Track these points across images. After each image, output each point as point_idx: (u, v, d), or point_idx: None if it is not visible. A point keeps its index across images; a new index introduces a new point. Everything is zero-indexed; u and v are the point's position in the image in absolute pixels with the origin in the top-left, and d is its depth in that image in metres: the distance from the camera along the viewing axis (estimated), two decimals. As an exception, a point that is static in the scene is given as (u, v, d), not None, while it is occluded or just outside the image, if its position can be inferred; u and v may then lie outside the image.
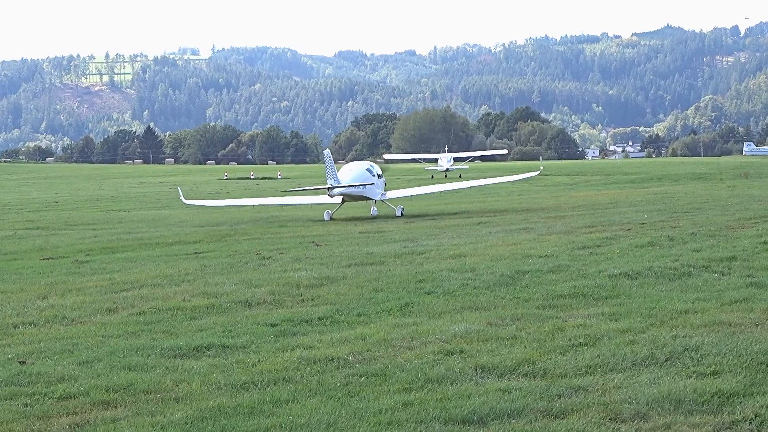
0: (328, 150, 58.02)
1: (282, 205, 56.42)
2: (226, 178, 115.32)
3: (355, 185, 49.12)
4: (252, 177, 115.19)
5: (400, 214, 48.54)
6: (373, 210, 49.63)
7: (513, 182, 68.41)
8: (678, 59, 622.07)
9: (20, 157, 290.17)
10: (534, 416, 11.44)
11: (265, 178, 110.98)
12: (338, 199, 49.11)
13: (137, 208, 60.63)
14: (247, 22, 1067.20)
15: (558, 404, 11.83)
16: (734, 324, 15.89)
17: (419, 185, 65.21)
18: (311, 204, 52.32)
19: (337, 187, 48.45)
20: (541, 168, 70.85)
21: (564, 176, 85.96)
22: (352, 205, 50.45)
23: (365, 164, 55.22)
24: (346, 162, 50.31)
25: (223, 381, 13.74)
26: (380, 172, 52.85)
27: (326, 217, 48.09)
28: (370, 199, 49.71)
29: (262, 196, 67.30)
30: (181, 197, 58.57)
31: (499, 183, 66.64)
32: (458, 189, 61.45)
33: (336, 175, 49.34)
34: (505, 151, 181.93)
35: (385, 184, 52.74)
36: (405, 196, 53.07)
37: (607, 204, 47.92)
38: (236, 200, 63.35)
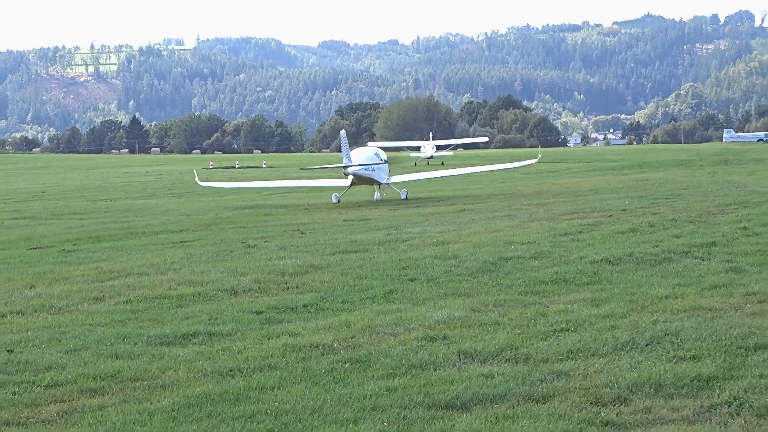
0: (343, 131, 58.56)
1: (301, 186, 57.54)
2: (211, 167, 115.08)
3: (366, 164, 49.58)
4: (237, 166, 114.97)
5: (404, 197, 48.95)
6: (377, 195, 49.63)
7: (513, 169, 68.08)
8: (658, 47, 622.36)
9: (6, 148, 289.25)
10: (516, 401, 11.47)
11: (250, 167, 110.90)
12: (349, 181, 49.49)
13: (123, 197, 60.52)
14: (231, 13, 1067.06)
15: (540, 389, 11.86)
16: (714, 309, 15.94)
17: (406, 173, 64.82)
18: (325, 186, 52.88)
19: (351, 165, 48.83)
20: (540, 156, 71.48)
21: (546, 164, 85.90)
22: (357, 191, 50.49)
23: (373, 149, 56.01)
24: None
25: (210, 368, 13.74)
26: (386, 158, 53.28)
27: (334, 200, 48.54)
28: (376, 181, 49.81)
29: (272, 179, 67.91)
30: (196, 179, 59.55)
31: (499, 170, 66.32)
32: (459, 174, 61.36)
33: (350, 155, 49.76)
34: (486, 139, 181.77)
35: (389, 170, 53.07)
36: (408, 181, 53.22)
37: (588, 191, 47.95)
38: (251, 182, 64.06)
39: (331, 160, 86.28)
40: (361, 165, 49.34)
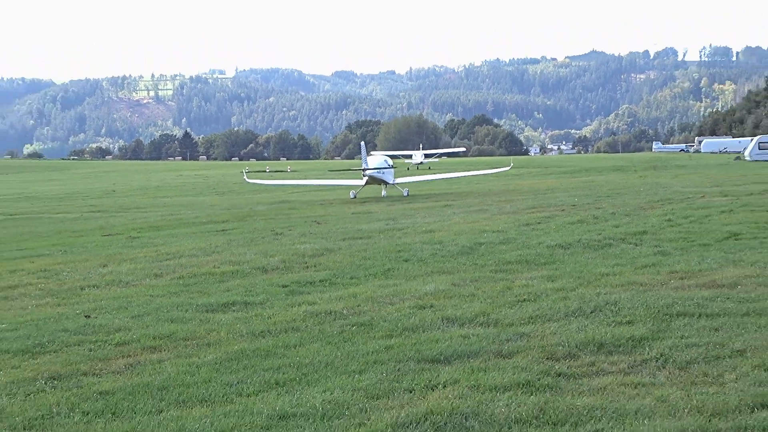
0: (363, 142, 59.09)
1: (326, 185, 57.09)
2: (247, 171, 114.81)
3: (379, 168, 49.86)
4: (267, 170, 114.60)
5: (406, 194, 48.76)
6: (384, 192, 49.44)
7: (490, 174, 67.54)
8: (601, 76, 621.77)
9: (85, 156, 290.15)
10: (488, 356, 11.47)
11: (278, 171, 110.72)
12: (364, 181, 49.39)
13: (177, 195, 60.42)
14: (263, 48, 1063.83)
15: (506, 347, 11.87)
16: (645, 284, 15.95)
17: (406, 176, 64.45)
18: (346, 185, 52.76)
19: (368, 169, 49.01)
20: (511, 164, 71.51)
21: (513, 168, 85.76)
22: (367, 189, 50.41)
23: (383, 157, 56.53)
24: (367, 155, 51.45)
25: (245, 330, 13.75)
26: (392, 164, 53.79)
27: (351, 196, 48.55)
28: (385, 182, 49.69)
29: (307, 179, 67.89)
30: (245, 177, 59.77)
31: (478, 175, 65.85)
32: (447, 179, 61.05)
33: (368, 161, 50.09)
34: (464, 149, 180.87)
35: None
36: (409, 182, 53.18)
37: (545, 190, 47.82)
38: (288, 180, 64.51)
39: (350, 165, 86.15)
40: (376, 169, 49.63)
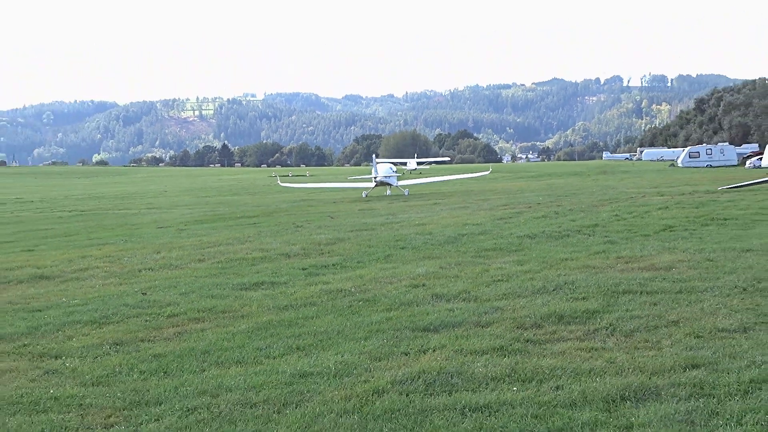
0: (375, 155, 61.29)
1: (346, 187, 56.74)
2: (273, 176, 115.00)
3: (386, 176, 50.77)
4: (290, 175, 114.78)
5: (407, 194, 48.94)
6: (388, 191, 49.75)
7: (472, 178, 67.30)
8: (561, 98, 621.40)
9: (142, 163, 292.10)
10: (469, 326, 11.46)
11: (298, 176, 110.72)
12: (374, 184, 49.97)
13: (216, 195, 60.40)
14: (286, 75, 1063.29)
15: (484, 318, 11.86)
16: (596, 267, 15.94)
17: (406, 179, 64.24)
18: (361, 187, 52.53)
19: (378, 176, 50.00)
20: (490, 170, 72.05)
21: (490, 173, 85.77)
22: (376, 189, 50.37)
23: (389, 165, 57.18)
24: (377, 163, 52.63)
25: (272, 305, 13.73)
26: (395, 170, 55.15)
27: (364, 195, 48.78)
28: (389, 184, 50.26)
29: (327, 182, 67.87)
30: (278, 181, 61.08)
31: (462, 179, 65.57)
32: (437, 182, 60.90)
33: (378, 169, 50.96)
34: (449, 159, 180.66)
35: (398, 177, 53.77)
36: (409, 184, 53.35)
37: (516, 191, 47.83)
38: (315, 183, 63.99)
39: (361, 171, 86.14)
40: (384, 175, 50.57)
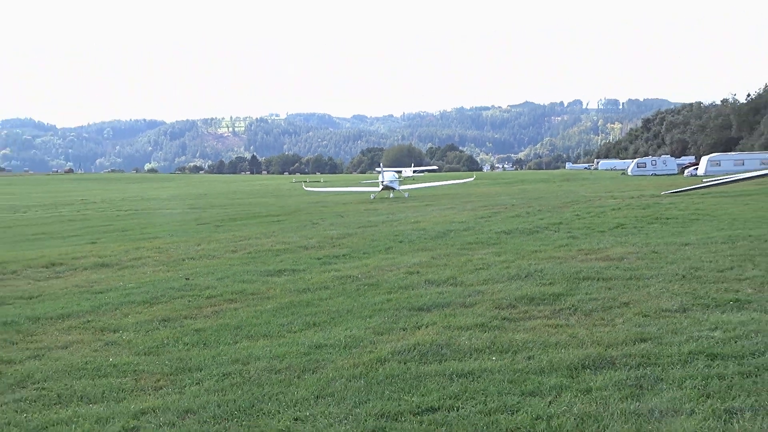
0: (381, 164, 62.94)
1: (361, 191, 56.12)
2: (294, 182, 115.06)
3: (390, 181, 50.71)
4: (307, 181, 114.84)
5: (407, 196, 48.83)
6: (391, 194, 49.56)
7: (458, 184, 66.57)
8: (532, 118, 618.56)
9: (185, 171, 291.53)
10: (455, 306, 11.44)
11: (314, 181, 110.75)
12: (380, 188, 49.88)
13: (247, 197, 60.40)
14: (305, 98, 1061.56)
15: (468, 300, 11.84)
16: (561, 257, 15.92)
17: (405, 184, 64.15)
18: (370, 191, 52.64)
19: (383, 182, 50.02)
20: (473, 177, 71.89)
21: (474, 180, 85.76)
22: (382, 193, 50.33)
23: (393, 172, 58.01)
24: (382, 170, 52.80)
25: (293, 288, 13.73)
26: (398, 177, 55.44)
27: (372, 197, 48.59)
28: (393, 189, 50.09)
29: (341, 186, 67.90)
30: (304, 186, 61.47)
31: (449, 184, 64.76)
32: (430, 186, 60.71)
33: (384, 176, 51.01)
34: (437, 167, 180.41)
35: (401, 182, 54.30)
36: (408, 188, 53.20)
37: (494, 195, 47.77)
38: (333, 188, 64.00)
39: (369, 177, 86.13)
40: (389, 181, 50.54)
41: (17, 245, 24.92)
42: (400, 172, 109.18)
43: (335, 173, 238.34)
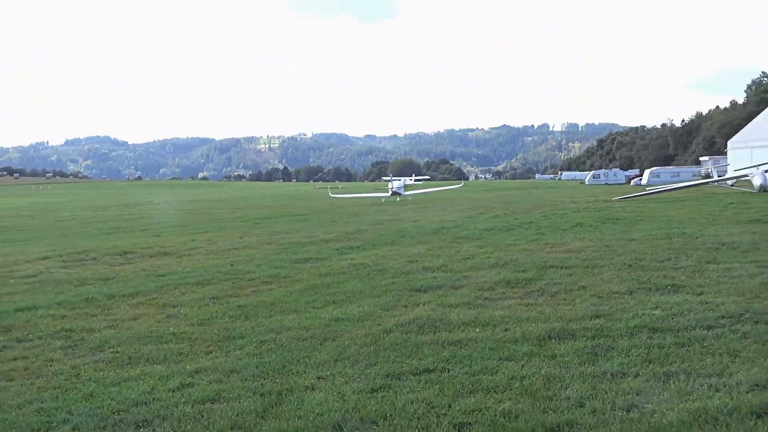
0: (391, 175, 62.95)
1: (381, 195, 53.26)
2: (317, 188, 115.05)
3: (398, 188, 49.48)
4: (328, 188, 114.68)
5: (411, 199, 47.63)
6: (398, 198, 48.13)
7: (449, 190, 63.85)
8: (508, 138, 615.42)
9: (231, 179, 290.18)
10: (447, 288, 11.39)
11: (333, 188, 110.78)
12: (390, 194, 48.62)
13: (280, 200, 60.40)
14: (327, 120, 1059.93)
15: (457, 283, 11.79)
16: (531, 250, 15.83)
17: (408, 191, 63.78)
18: (381, 195, 50.82)
19: (392, 189, 48.78)
20: (462, 184, 71.46)
21: (462, 187, 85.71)
22: (391, 198, 50.25)
23: (401, 181, 56.15)
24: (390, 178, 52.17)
25: (316, 273, 13.71)
26: (404, 184, 54.12)
27: (383, 200, 47.31)
28: (399, 194, 48.79)
29: (358, 193, 66.96)
30: (330, 193, 59.41)
31: (443, 190, 62.82)
32: (428, 192, 59.92)
33: (393, 183, 49.99)
34: (429, 177, 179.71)
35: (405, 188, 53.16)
36: (411, 194, 52.11)
37: (478, 199, 47.64)
38: (352, 194, 61.34)
39: (381, 185, 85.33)
40: (397, 187, 49.44)
41: (97, 237, 24.99)
42: (400, 180, 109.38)
43: (350, 181, 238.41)
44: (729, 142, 65.17)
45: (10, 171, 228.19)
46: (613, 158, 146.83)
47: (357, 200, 52.13)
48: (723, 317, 8.60)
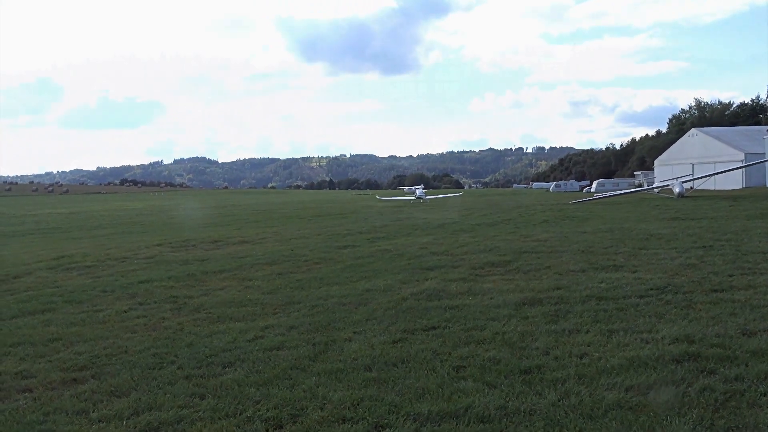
0: (413, 186, 59.11)
1: (403, 199, 50.72)
2: (354, 194, 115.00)
3: (420, 193, 47.50)
4: (362, 194, 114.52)
5: (428, 202, 45.00)
6: (421, 201, 45.01)
7: (451, 197, 58.66)
8: (493, 158, 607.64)
9: (291, 188, 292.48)
10: (447, 267, 11.28)
11: (364, 194, 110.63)
12: (415, 197, 46.56)
13: (325, 203, 60.52)
14: (361, 143, 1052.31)
15: (455, 264, 11.67)
16: (510, 239, 15.61)
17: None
18: (408, 199, 48.22)
19: (417, 195, 46.46)
20: (462, 192, 69.93)
21: (462, 195, 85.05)
22: (415, 202, 49.98)
23: (421, 187, 54.64)
24: (408, 186, 50.68)
25: (353, 256, 13.65)
26: (425, 191, 52.36)
27: (411, 202, 45.12)
28: (421, 198, 45.76)
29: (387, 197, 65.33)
30: (377, 198, 55.90)
31: (445, 197, 56.55)
32: (437, 198, 57.20)
33: (417, 191, 47.89)
34: (430, 188, 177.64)
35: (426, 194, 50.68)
36: (430, 198, 49.28)
37: (471, 202, 47.37)
38: (390, 198, 55.55)
39: (397, 192, 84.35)
40: (421, 193, 47.77)
41: (196, 230, 25.25)
42: (420, 186, 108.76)
43: (378, 189, 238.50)
44: (656, 161, 64.93)
45: (135, 182, 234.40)
46: (570, 172, 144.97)
47: (392, 201, 50.57)
48: (652, 289, 8.45)
